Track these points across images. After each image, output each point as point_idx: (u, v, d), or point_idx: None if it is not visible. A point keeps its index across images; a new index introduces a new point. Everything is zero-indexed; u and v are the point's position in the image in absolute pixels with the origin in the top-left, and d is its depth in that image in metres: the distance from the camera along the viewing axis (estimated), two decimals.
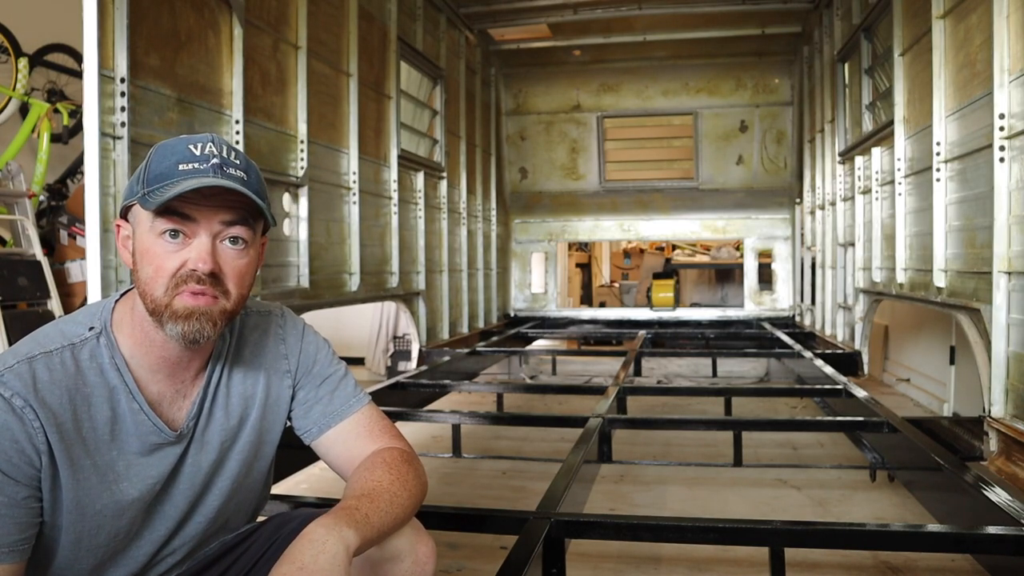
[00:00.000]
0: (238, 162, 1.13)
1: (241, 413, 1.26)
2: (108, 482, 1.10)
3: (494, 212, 6.93)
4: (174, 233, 1.08)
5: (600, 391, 3.52)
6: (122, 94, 2.44)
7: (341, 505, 1.10)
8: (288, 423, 1.36)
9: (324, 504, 2.01)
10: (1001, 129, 2.62)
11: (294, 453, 1.65)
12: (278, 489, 2.42)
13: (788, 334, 5.53)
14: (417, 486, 1.22)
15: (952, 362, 4.28)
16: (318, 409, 1.32)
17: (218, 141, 1.12)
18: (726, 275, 9.78)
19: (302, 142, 3.61)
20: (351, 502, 1.11)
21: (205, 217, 1.09)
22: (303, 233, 3.64)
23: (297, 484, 2.90)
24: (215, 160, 1.10)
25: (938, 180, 3.28)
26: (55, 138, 4.60)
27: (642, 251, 10.69)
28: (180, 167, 1.08)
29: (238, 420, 1.26)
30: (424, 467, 1.32)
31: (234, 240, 1.12)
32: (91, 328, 1.13)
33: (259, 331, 1.32)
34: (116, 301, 1.17)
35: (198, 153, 1.10)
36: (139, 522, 1.15)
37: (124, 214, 1.15)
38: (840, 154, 5.18)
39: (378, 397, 3.39)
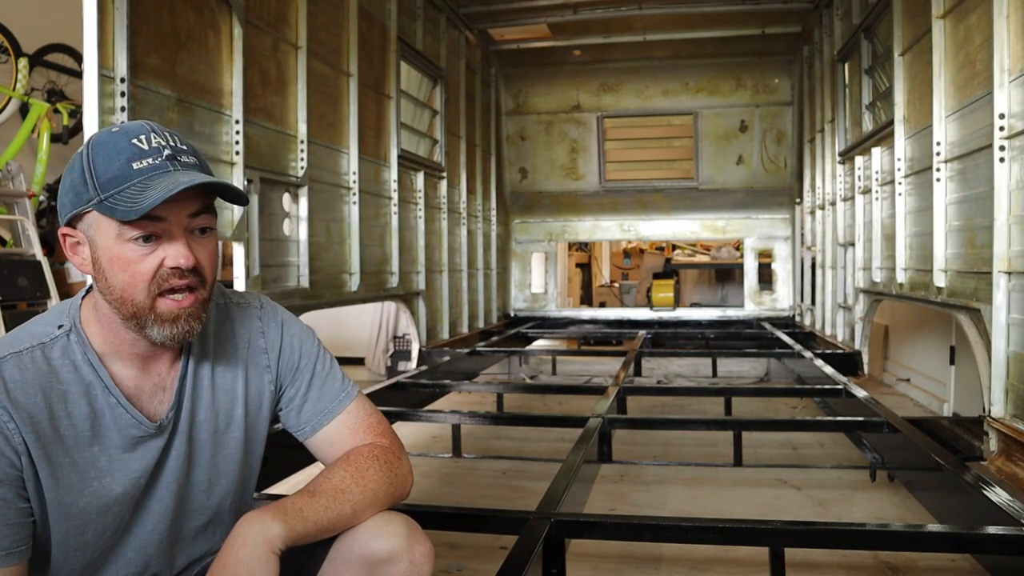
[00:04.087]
0: (185, 147, 1.10)
1: (227, 408, 1.24)
2: (89, 479, 1.08)
3: (494, 212, 6.92)
4: (146, 237, 1.05)
5: (600, 391, 3.52)
6: (122, 94, 2.43)
7: (279, 500, 1.12)
8: (278, 423, 1.34)
9: None
10: (1001, 129, 2.62)
11: (293, 453, 1.65)
12: (277, 489, 2.42)
13: (788, 334, 5.53)
14: (380, 481, 1.20)
15: (952, 362, 4.27)
16: (308, 408, 1.30)
17: (158, 128, 1.09)
18: (726, 275, 9.78)
19: (302, 142, 3.61)
20: (290, 497, 1.13)
21: (174, 214, 1.06)
22: (303, 233, 3.64)
23: (297, 485, 2.89)
24: (167, 151, 1.06)
25: (938, 180, 3.28)
26: (55, 138, 4.60)
27: (642, 251, 10.69)
28: (134, 166, 1.04)
29: (225, 414, 1.24)
30: (410, 463, 1.31)
31: (203, 230, 1.11)
32: (60, 326, 1.11)
33: (238, 323, 1.29)
34: (82, 298, 1.15)
35: (146, 147, 1.06)
36: (127, 519, 1.14)
37: (71, 222, 1.08)
38: (840, 154, 5.18)
39: (378, 397, 3.44)
